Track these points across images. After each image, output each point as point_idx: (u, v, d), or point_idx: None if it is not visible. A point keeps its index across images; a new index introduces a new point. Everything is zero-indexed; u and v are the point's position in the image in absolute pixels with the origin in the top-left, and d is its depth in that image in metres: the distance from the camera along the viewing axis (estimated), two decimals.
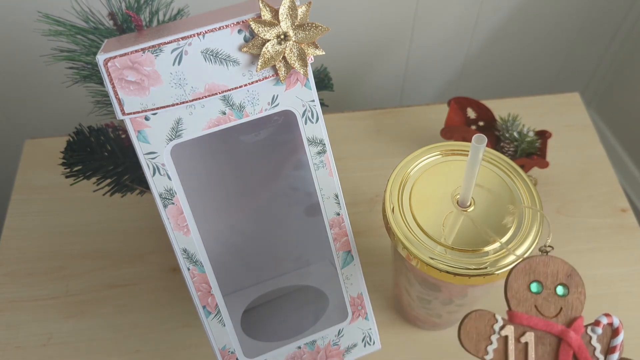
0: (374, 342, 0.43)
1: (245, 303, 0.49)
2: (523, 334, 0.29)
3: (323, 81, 0.57)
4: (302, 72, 0.34)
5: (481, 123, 0.68)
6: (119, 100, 0.32)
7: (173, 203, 0.35)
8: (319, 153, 0.37)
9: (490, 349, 0.29)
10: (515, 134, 0.63)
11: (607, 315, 0.29)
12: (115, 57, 0.31)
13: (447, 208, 0.42)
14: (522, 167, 0.63)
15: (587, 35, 1.02)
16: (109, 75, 0.32)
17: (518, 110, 0.69)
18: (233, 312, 0.42)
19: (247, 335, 0.44)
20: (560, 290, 0.30)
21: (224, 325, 0.39)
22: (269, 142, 0.43)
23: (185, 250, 0.37)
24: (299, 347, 0.42)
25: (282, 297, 0.50)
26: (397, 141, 0.71)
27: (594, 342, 0.29)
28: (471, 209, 0.41)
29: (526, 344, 0.29)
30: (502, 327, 0.29)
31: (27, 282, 0.61)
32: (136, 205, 0.66)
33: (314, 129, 0.36)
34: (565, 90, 0.82)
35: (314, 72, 0.49)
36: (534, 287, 0.30)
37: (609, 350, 0.29)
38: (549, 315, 0.29)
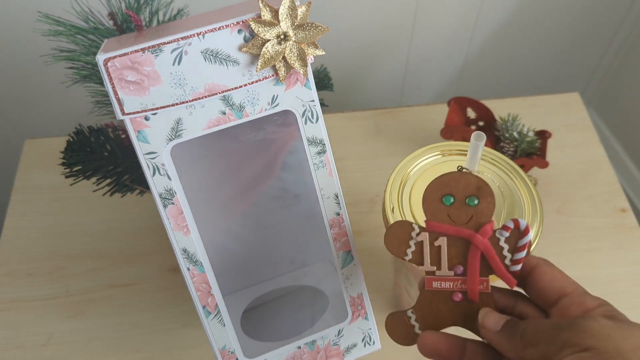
0: (374, 342, 0.43)
1: (245, 303, 0.49)
2: (437, 238, 0.33)
3: (323, 81, 0.57)
4: (302, 72, 0.34)
5: (481, 123, 0.68)
6: (118, 100, 0.32)
7: (173, 203, 0.35)
8: (318, 153, 0.37)
9: (409, 251, 0.34)
10: (515, 134, 0.63)
11: (513, 220, 0.32)
12: (115, 57, 0.31)
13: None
14: (522, 167, 0.63)
15: (587, 35, 1.02)
16: (108, 75, 0.32)
17: (518, 110, 0.69)
18: (233, 312, 0.42)
19: (247, 335, 0.44)
20: (470, 200, 0.33)
21: (224, 325, 0.39)
22: (269, 142, 0.43)
23: (185, 250, 0.37)
24: (299, 347, 0.42)
25: (282, 297, 0.50)
26: (397, 141, 0.71)
27: (502, 243, 0.33)
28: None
29: (439, 246, 0.33)
30: (418, 234, 0.34)
31: (27, 282, 0.61)
32: (136, 205, 0.66)
33: (314, 129, 0.36)
34: (565, 90, 0.82)
35: (314, 72, 0.49)
36: (446, 199, 0.33)
37: (517, 249, 0.32)
38: (460, 222, 0.33)
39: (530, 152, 0.63)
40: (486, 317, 0.32)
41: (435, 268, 0.34)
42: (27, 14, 0.72)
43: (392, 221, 0.42)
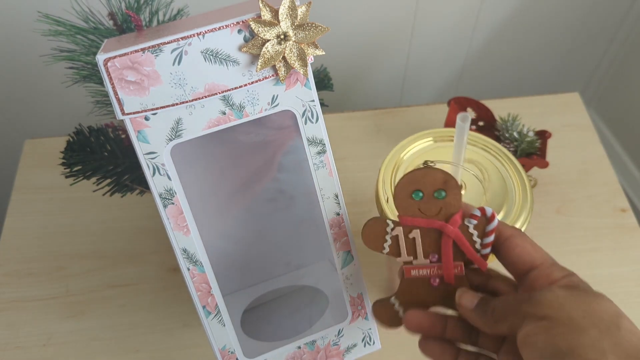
0: (374, 342, 0.43)
1: (245, 303, 0.49)
2: (411, 231, 0.36)
3: (323, 81, 0.57)
4: (302, 72, 0.34)
5: (481, 123, 0.68)
6: (118, 100, 0.32)
7: (173, 203, 0.35)
8: (318, 153, 0.37)
9: (386, 245, 0.36)
10: (515, 134, 0.63)
11: (480, 208, 0.35)
12: (115, 57, 0.31)
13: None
14: (522, 167, 0.63)
15: (587, 35, 1.02)
16: (108, 75, 0.32)
17: (518, 110, 0.69)
18: (233, 312, 0.42)
19: (247, 335, 0.44)
20: (438, 194, 0.35)
21: (224, 325, 0.39)
22: (268, 142, 0.43)
23: (185, 250, 0.37)
24: (299, 347, 0.42)
25: (282, 297, 0.50)
26: (397, 141, 0.71)
27: (471, 230, 0.35)
28: (462, 192, 0.42)
29: (414, 238, 0.36)
30: (392, 229, 0.36)
31: (27, 282, 0.61)
32: (136, 205, 0.66)
33: (314, 129, 0.36)
34: (565, 90, 0.82)
35: (314, 72, 0.49)
36: (416, 194, 0.35)
37: (485, 234, 0.35)
38: (431, 214, 0.35)
39: (530, 152, 0.63)
40: (462, 297, 0.34)
41: (412, 258, 0.36)
42: (27, 14, 0.72)
43: (387, 211, 0.44)
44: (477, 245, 0.35)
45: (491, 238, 0.35)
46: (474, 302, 0.34)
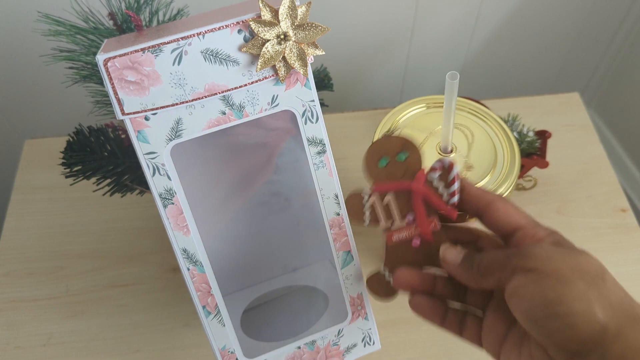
0: (373, 342, 0.43)
1: (245, 303, 0.49)
2: (384, 197, 0.38)
3: (323, 81, 0.57)
4: (302, 72, 0.34)
5: None
6: (118, 100, 0.32)
7: (173, 203, 0.35)
8: (318, 153, 0.37)
9: (365, 217, 0.38)
10: (515, 134, 0.63)
11: (439, 160, 0.37)
12: (115, 57, 0.31)
13: (430, 155, 0.45)
14: (522, 167, 0.63)
15: (587, 35, 1.02)
16: (108, 75, 0.32)
17: (518, 110, 0.69)
18: (233, 312, 0.42)
19: (247, 336, 0.44)
20: (400, 156, 0.37)
21: (224, 325, 0.39)
22: (268, 142, 0.43)
23: (185, 250, 0.37)
24: (299, 347, 0.42)
25: (282, 297, 0.50)
26: None
27: (436, 183, 0.37)
28: (452, 155, 0.43)
29: (388, 203, 0.38)
30: (368, 199, 0.38)
31: (27, 282, 0.61)
32: (136, 205, 0.66)
33: (314, 129, 0.36)
34: (565, 90, 0.82)
35: (314, 72, 0.49)
36: (382, 161, 0.38)
37: (448, 183, 0.36)
38: (398, 177, 0.38)
39: (530, 152, 0.63)
40: (446, 253, 0.35)
41: (390, 223, 0.38)
42: (27, 14, 0.72)
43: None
44: (445, 197, 0.37)
45: (455, 186, 0.36)
46: (459, 257, 0.35)
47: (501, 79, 1.07)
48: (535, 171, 0.67)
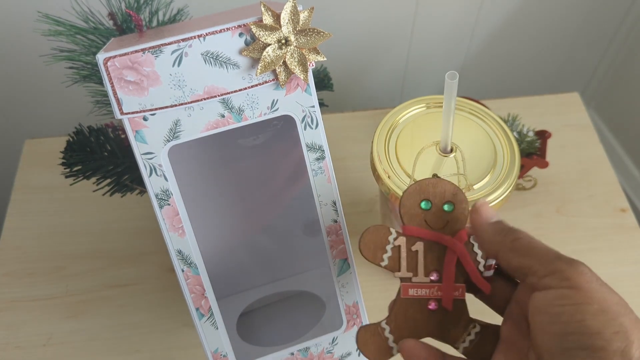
0: None
1: (242, 306, 0.49)
2: (414, 243, 0.33)
3: (323, 81, 0.57)
4: (302, 78, 0.34)
5: None
6: (117, 99, 0.32)
7: (169, 204, 0.35)
8: (317, 159, 0.37)
9: (385, 256, 0.33)
10: (515, 134, 0.63)
11: None
12: (115, 56, 0.31)
13: (430, 154, 0.45)
14: (522, 167, 0.63)
15: (587, 35, 1.02)
16: (108, 74, 0.32)
17: (518, 110, 0.69)
18: (228, 315, 0.42)
19: (243, 339, 0.44)
20: (447, 207, 0.33)
21: (217, 328, 0.39)
22: (268, 147, 0.43)
23: (179, 252, 0.37)
24: (292, 354, 0.41)
25: (278, 302, 0.50)
26: None
27: (476, 249, 0.33)
28: (452, 155, 0.43)
29: (416, 252, 0.33)
30: (395, 239, 0.33)
31: (27, 282, 0.61)
32: (136, 205, 0.66)
33: (313, 134, 0.36)
34: (565, 90, 0.82)
35: (313, 72, 0.49)
36: (424, 204, 0.33)
37: (486, 268, 0.33)
38: (436, 227, 0.33)
39: (530, 152, 0.63)
40: (483, 205, 0.32)
41: (411, 274, 0.33)
42: (27, 14, 0.72)
43: (380, 171, 0.44)
44: (481, 267, 0.33)
45: (494, 260, 0.33)
46: (494, 215, 0.31)
47: (501, 79, 1.07)
48: (535, 171, 0.67)
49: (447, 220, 0.33)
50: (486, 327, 0.33)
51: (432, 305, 0.34)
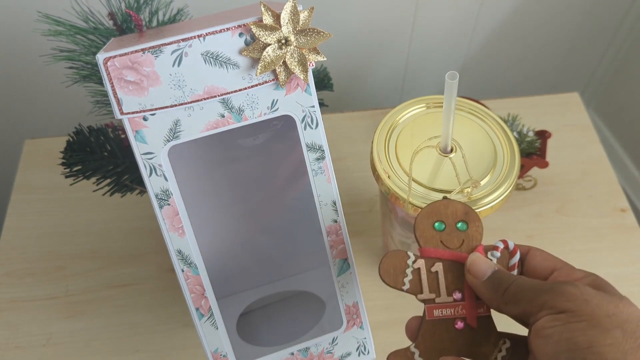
0: (368, 352, 0.43)
1: (242, 306, 0.49)
2: (433, 264, 0.34)
3: (323, 81, 0.57)
4: (302, 78, 0.34)
5: None
6: (117, 99, 0.32)
7: (169, 204, 0.35)
8: (317, 159, 0.37)
9: (406, 280, 0.34)
10: (515, 134, 0.63)
11: (502, 241, 0.34)
12: (115, 56, 0.31)
13: (430, 154, 0.45)
14: (522, 167, 0.63)
15: (587, 35, 1.02)
16: (108, 74, 0.32)
17: (518, 110, 0.69)
18: (228, 315, 0.42)
19: (243, 339, 0.44)
20: (460, 225, 0.34)
21: (217, 328, 0.39)
22: (268, 147, 0.43)
23: (179, 252, 0.37)
24: (292, 354, 0.41)
25: (278, 302, 0.50)
26: None
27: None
28: (452, 155, 0.43)
29: (436, 272, 0.34)
30: (414, 262, 0.34)
31: (27, 282, 0.61)
32: (136, 205, 0.66)
33: (313, 134, 0.36)
34: (565, 90, 0.82)
35: (313, 72, 0.49)
36: (437, 225, 0.34)
37: (508, 269, 0.33)
38: (453, 247, 0.34)
39: (530, 152, 0.63)
40: (474, 263, 0.33)
41: (434, 295, 0.34)
42: (27, 14, 0.72)
43: (380, 171, 0.44)
44: None
45: (514, 273, 0.33)
46: (487, 271, 0.32)
47: (501, 79, 1.07)
48: (535, 171, 0.67)
49: (462, 239, 0.34)
50: (517, 341, 0.34)
51: (459, 325, 0.34)
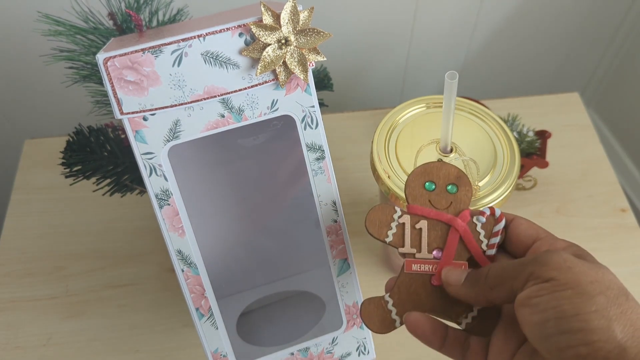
0: (368, 352, 0.43)
1: (242, 306, 0.49)
2: (418, 221, 0.35)
3: (323, 81, 0.57)
4: (302, 78, 0.34)
5: None
6: (117, 99, 0.32)
7: (169, 204, 0.35)
8: (317, 159, 0.37)
9: (390, 233, 0.35)
10: (515, 134, 0.63)
11: (490, 207, 0.34)
12: (115, 56, 0.31)
13: (430, 154, 0.45)
14: (522, 167, 0.63)
15: (587, 35, 1.02)
16: (108, 74, 0.32)
17: (518, 110, 0.69)
18: (228, 315, 0.42)
19: (243, 339, 0.44)
20: (450, 188, 0.35)
21: (217, 328, 0.39)
22: (268, 147, 0.43)
23: (179, 252, 0.37)
24: (292, 354, 0.41)
25: (278, 302, 0.50)
26: None
27: (479, 228, 0.34)
28: (452, 155, 0.43)
29: (420, 229, 0.35)
30: (400, 217, 0.35)
31: (27, 282, 0.61)
32: (136, 205, 0.66)
33: (313, 134, 0.36)
34: (565, 90, 0.82)
35: (313, 72, 0.49)
36: (428, 185, 0.35)
37: (492, 234, 0.34)
38: (440, 207, 0.35)
39: (530, 152, 0.63)
40: (449, 274, 0.33)
41: (415, 250, 0.35)
42: (27, 14, 0.72)
43: (380, 171, 0.44)
44: (483, 245, 0.34)
45: (497, 239, 0.34)
46: (462, 276, 0.32)
47: (501, 79, 1.07)
48: (535, 171, 0.67)
49: (450, 201, 0.35)
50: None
51: (435, 281, 0.34)
